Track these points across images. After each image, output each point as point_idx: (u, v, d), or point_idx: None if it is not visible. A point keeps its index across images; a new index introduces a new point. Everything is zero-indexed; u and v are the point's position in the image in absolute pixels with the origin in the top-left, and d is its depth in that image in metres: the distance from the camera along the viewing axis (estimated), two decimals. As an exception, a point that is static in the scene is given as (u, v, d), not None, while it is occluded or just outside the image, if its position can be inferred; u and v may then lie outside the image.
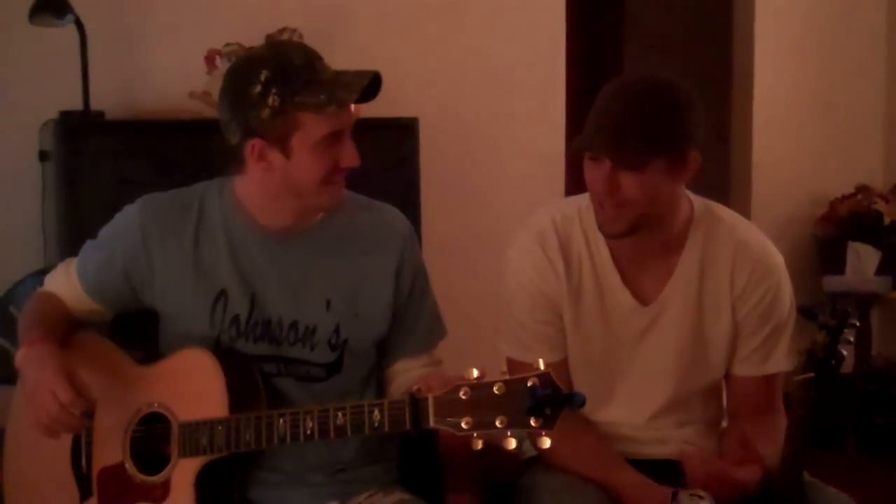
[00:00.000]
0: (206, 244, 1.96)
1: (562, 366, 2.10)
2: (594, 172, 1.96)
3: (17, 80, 3.21)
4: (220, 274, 1.95)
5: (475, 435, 1.58)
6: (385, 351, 2.07)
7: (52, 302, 2.05)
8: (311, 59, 1.85)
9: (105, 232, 2.05)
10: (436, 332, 2.13)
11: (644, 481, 2.00)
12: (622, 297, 2.08)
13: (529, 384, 1.56)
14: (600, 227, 2.02)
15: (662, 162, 1.91)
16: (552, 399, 1.56)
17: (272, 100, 1.81)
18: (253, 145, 1.86)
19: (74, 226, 2.96)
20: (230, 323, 1.94)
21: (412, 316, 2.06)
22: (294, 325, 1.96)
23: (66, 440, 1.96)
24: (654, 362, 2.09)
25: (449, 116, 3.70)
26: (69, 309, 2.04)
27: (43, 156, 3.16)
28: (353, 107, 1.87)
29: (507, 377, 1.58)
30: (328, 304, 1.97)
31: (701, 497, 1.85)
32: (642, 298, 2.09)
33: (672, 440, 2.13)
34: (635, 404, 2.11)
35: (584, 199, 2.07)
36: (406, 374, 2.05)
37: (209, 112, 3.25)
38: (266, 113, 1.82)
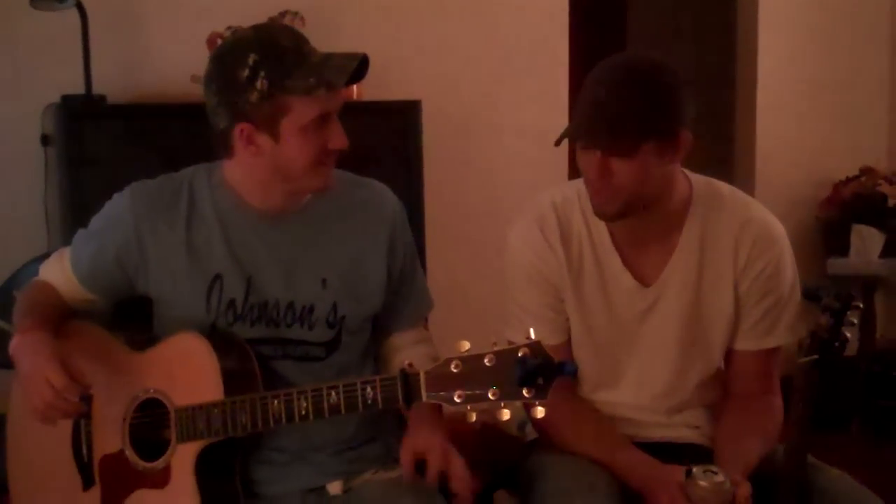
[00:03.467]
0: (199, 229, 1.95)
1: (564, 348, 2.11)
2: (586, 159, 1.96)
3: (19, 65, 3.21)
4: (215, 259, 1.95)
5: (468, 408, 1.59)
6: (380, 325, 2.10)
7: (47, 291, 2.04)
8: (298, 43, 1.85)
9: (96, 221, 2.04)
10: (425, 305, 2.18)
11: (650, 461, 2.00)
12: (623, 278, 2.08)
13: (520, 354, 1.57)
14: (594, 210, 2.02)
15: (653, 145, 1.90)
16: (543, 368, 1.56)
17: (261, 83, 1.80)
18: (241, 129, 1.85)
19: (77, 210, 2.97)
20: (226, 307, 1.94)
21: (406, 289, 2.09)
22: (291, 305, 1.96)
23: (66, 429, 1.97)
24: (656, 343, 2.10)
25: (451, 99, 3.70)
26: (63, 298, 2.04)
27: (45, 140, 3.17)
28: (343, 90, 1.87)
29: (498, 348, 1.59)
30: (324, 282, 1.97)
31: (715, 472, 1.85)
32: (643, 279, 2.08)
33: (675, 422, 2.14)
34: (638, 386, 2.11)
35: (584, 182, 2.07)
36: (405, 350, 2.08)
37: (211, 96, 3.26)
38: (255, 97, 1.81)
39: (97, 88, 3.10)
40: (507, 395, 1.57)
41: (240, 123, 1.85)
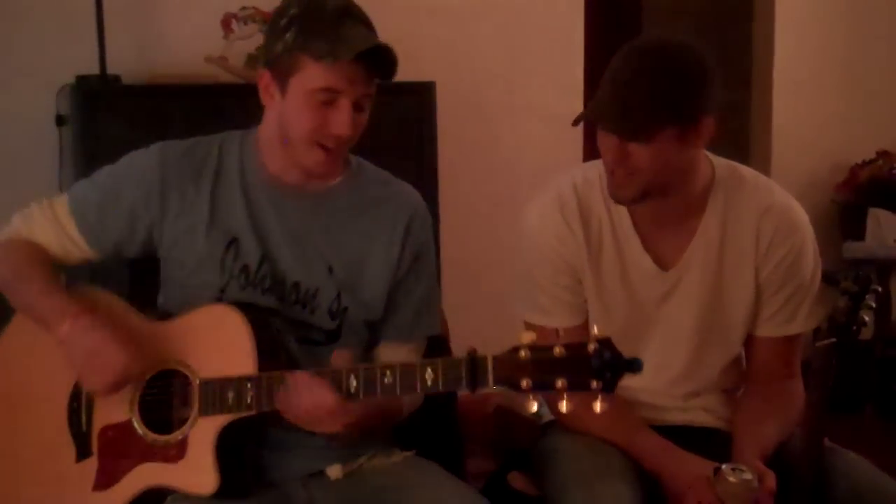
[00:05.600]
0: (223, 191, 1.94)
1: (581, 330, 2.09)
2: (604, 142, 1.95)
3: (33, 45, 3.21)
4: (234, 223, 1.94)
5: (531, 396, 1.62)
6: (374, 333, 2.04)
7: (41, 255, 1.97)
8: (343, 13, 1.83)
9: (110, 173, 2.00)
10: (422, 323, 2.05)
11: (668, 446, 2.00)
12: (643, 261, 2.07)
13: (592, 348, 1.60)
14: (611, 194, 2.01)
15: (673, 130, 1.88)
16: (614, 364, 1.59)
17: (288, 36, 1.83)
18: (262, 75, 1.89)
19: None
20: (239, 271, 1.93)
21: (402, 296, 2.02)
22: (297, 284, 1.95)
23: (61, 397, 1.92)
24: (675, 327, 2.09)
25: (466, 80, 3.69)
26: (54, 259, 1.99)
27: (60, 120, 3.17)
28: (361, 78, 1.83)
29: (567, 341, 1.62)
30: (330, 269, 1.96)
31: (743, 471, 1.85)
32: (663, 263, 2.07)
33: (692, 406, 2.13)
34: (657, 369, 2.09)
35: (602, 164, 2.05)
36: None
37: (225, 76, 3.26)
38: (280, 47, 1.84)
39: (112, 69, 3.10)
40: (576, 386, 1.60)
41: (265, 69, 1.88)
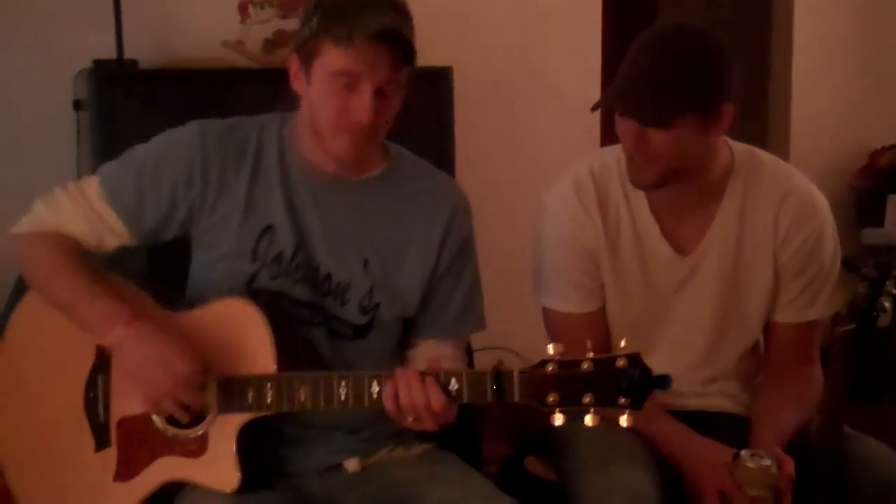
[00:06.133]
0: (262, 179, 1.91)
1: (598, 316, 2.10)
2: (623, 127, 1.94)
3: (51, 30, 3.20)
4: (271, 209, 1.90)
5: (557, 410, 1.61)
6: (412, 330, 2.00)
7: (79, 250, 1.90)
8: (368, 2, 1.79)
9: (146, 153, 1.93)
10: (468, 321, 2.02)
11: (686, 431, 2.00)
12: (660, 247, 2.06)
13: (620, 364, 1.59)
14: (630, 179, 2.00)
15: (693, 117, 1.88)
16: (643, 381, 1.59)
17: (314, 21, 1.80)
18: (292, 60, 1.87)
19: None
20: (273, 259, 1.89)
21: (444, 293, 1.98)
22: (329, 276, 1.92)
23: (77, 385, 1.89)
24: (692, 313, 2.08)
25: (483, 65, 3.67)
26: (88, 250, 1.91)
27: (77, 105, 3.16)
28: (383, 62, 1.79)
29: (595, 356, 1.60)
30: (365, 263, 1.93)
31: (762, 457, 1.84)
32: (681, 249, 2.07)
33: (710, 392, 2.13)
34: (674, 355, 2.08)
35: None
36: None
37: (242, 62, 3.26)
38: (306, 32, 1.82)
39: (129, 53, 3.09)
40: (603, 403, 1.60)
41: (294, 53, 1.87)
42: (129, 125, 2.96)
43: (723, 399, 2.14)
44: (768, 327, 2.14)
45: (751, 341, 2.14)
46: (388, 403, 1.71)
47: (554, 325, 2.14)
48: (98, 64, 3.08)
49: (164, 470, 1.84)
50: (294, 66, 1.86)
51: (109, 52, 3.08)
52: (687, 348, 2.10)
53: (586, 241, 2.07)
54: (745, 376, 2.16)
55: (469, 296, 2.01)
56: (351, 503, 1.93)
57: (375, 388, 1.73)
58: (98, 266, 1.91)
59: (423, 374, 1.69)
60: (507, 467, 2.29)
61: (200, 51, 3.28)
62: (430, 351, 1.96)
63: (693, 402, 2.11)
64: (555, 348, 1.62)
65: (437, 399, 1.67)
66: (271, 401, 1.78)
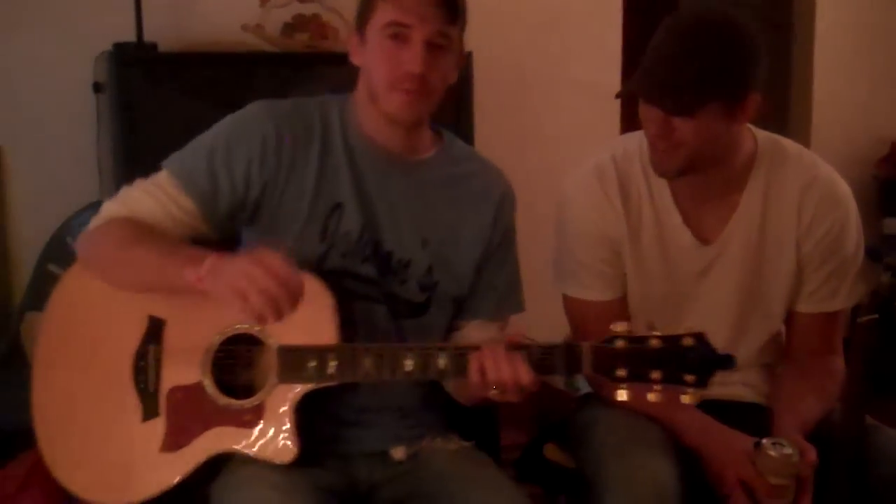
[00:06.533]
0: (330, 158, 1.92)
1: (619, 304, 2.09)
2: (647, 114, 1.92)
3: (71, 12, 3.20)
4: (340, 187, 1.91)
5: (624, 386, 1.66)
6: (457, 310, 2.03)
7: (149, 228, 1.87)
8: None
9: (214, 138, 1.91)
10: (509, 303, 2.07)
11: (708, 420, 1.99)
12: (682, 235, 2.05)
13: (687, 343, 1.64)
14: (654, 167, 1.99)
15: (718, 106, 1.86)
16: (709, 360, 1.64)
17: None
18: (351, 40, 1.94)
19: (129, 157, 2.97)
20: (342, 238, 1.91)
21: (490, 275, 2.03)
22: (389, 254, 1.94)
23: (126, 355, 1.89)
24: (714, 302, 2.07)
25: (503, 51, 3.65)
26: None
27: (97, 87, 3.17)
28: (431, 14, 1.83)
29: (662, 333, 1.65)
30: (424, 241, 1.95)
31: (784, 445, 1.83)
32: (703, 237, 2.05)
33: (731, 381, 2.11)
34: (695, 344, 2.08)
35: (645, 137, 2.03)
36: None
37: (262, 45, 3.25)
38: (362, 3, 1.90)
39: (149, 36, 3.09)
40: (670, 380, 1.64)
41: (355, 30, 1.93)
42: (148, 108, 2.97)
43: (744, 388, 2.13)
44: (790, 317, 2.12)
45: (772, 331, 2.13)
46: (475, 377, 1.73)
47: (574, 313, 2.14)
48: (118, 47, 3.07)
49: (215, 440, 1.84)
50: (353, 41, 1.92)
51: (129, 35, 3.07)
52: (709, 337, 2.08)
53: (607, 229, 2.06)
54: (766, 366, 2.15)
55: (513, 279, 2.07)
56: (390, 493, 1.94)
57: (442, 361, 1.75)
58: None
59: (509, 348, 1.71)
60: (526, 455, 2.29)
61: (220, 34, 3.28)
62: (476, 333, 1.99)
63: (714, 392, 2.06)
64: (620, 326, 1.67)
65: (525, 374, 1.69)
66: (334, 371, 1.78)
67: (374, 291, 1.93)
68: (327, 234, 1.91)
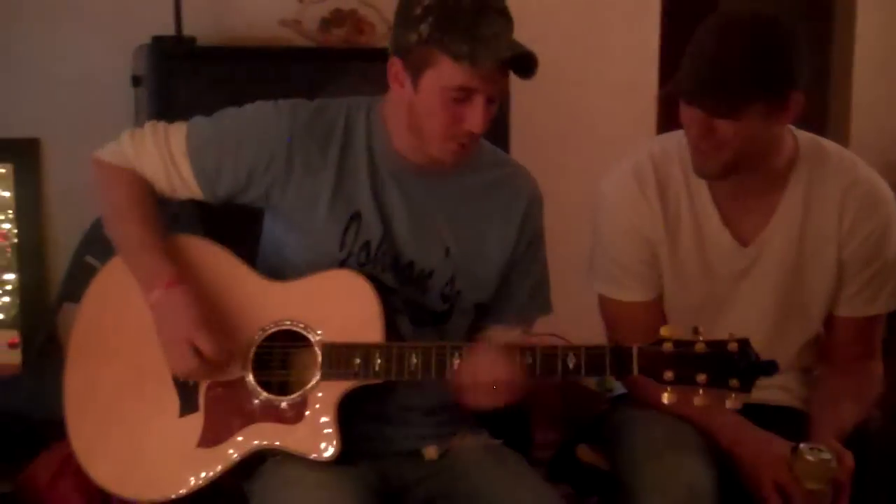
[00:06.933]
0: (350, 165, 1.91)
1: (655, 305, 2.08)
2: (689, 115, 1.91)
3: (110, 5, 3.22)
4: (359, 196, 1.91)
5: (669, 388, 1.69)
6: (481, 313, 2.02)
7: (145, 192, 1.93)
8: (480, 10, 1.75)
9: (235, 120, 1.95)
10: (536, 305, 2.06)
11: (744, 423, 1.97)
12: (721, 237, 2.03)
13: (731, 348, 1.67)
14: (695, 168, 1.98)
15: (761, 106, 1.84)
16: (753, 365, 1.67)
17: (422, 28, 1.76)
18: (393, 63, 1.84)
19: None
20: (361, 247, 1.90)
21: (517, 279, 2.01)
22: (411, 264, 1.93)
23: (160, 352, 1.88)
24: (752, 304, 2.05)
25: (539, 48, 3.63)
26: (161, 193, 1.95)
27: (135, 80, 3.18)
28: (499, 76, 1.79)
29: (708, 338, 1.68)
30: (447, 251, 1.94)
31: (821, 451, 1.82)
32: (742, 238, 2.04)
33: (769, 385, 2.08)
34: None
35: (684, 135, 2.01)
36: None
37: (299, 40, 3.26)
38: (413, 39, 1.78)
39: (187, 30, 3.10)
40: (715, 384, 1.67)
41: (395, 56, 1.84)
42: (186, 101, 2.97)
43: (781, 392, 2.11)
44: (829, 320, 2.11)
45: (811, 334, 2.11)
46: (458, 376, 1.76)
47: (609, 314, 2.13)
48: (157, 40, 3.09)
49: (254, 436, 1.84)
50: (395, 68, 1.83)
51: (168, 29, 3.09)
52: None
53: (645, 229, 2.04)
54: (804, 370, 2.14)
55: (539, 283, 2.05)
56: (422, 493, 1.94)
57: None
58: (163, 218, 1.94)
59: (522, 348, 1.74)
60: (559, 455, 2.28)
61: (258, 29, 3.28)
62: (501, 336, 1.97)
63: (751, 395, 2.08)
64: (666, 329, 1.70)
65: (511, 372, 1.72)
66: (380, 368, 1.79)
67: (394, 300, 1.92)
68: (345, 244, 1.90)
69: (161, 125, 1.97)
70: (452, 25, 1.74)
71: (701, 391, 1.67)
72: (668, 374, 1.68)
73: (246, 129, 1.92)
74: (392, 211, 1.92)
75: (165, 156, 1.93)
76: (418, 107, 1.82)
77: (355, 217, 1.90)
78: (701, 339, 1.68)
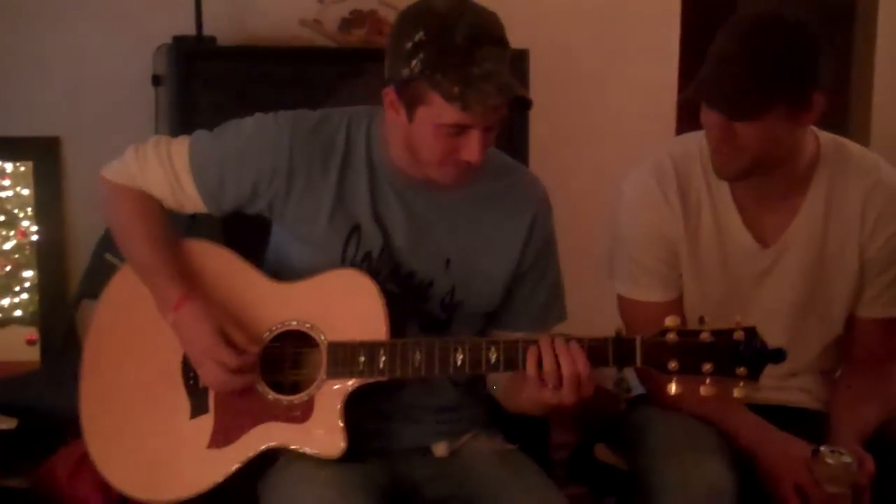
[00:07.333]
0: (350, 179, 1.91)
1: (675, 305, 2.07)
2: (709, 118, 1.90)
3: (131, 5, 3.23)
4: (358, 209, 1.90)
5: (675, 379, 1.67)
6: (495, 322, 2.00)
7: (156, 212, 1.95)
8: (473, 45, 1.70)
9: (236, 135, 1.94)
10: (552, 312, 2.02)
11: (765, 425, 1.97)
12: (742, 238, 2.02)
13: (738, 336, 1.64)
14: (715, 170, 1.97)
15: (782, 108, 1.83)
16: (760, 353, 1.65)
17: (414, 64, 1.72)
18: (387, 92, 1.81)
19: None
20: (362, 258, 1.90)
21: (529, 288, 1.99)
22: (411, 274, 1.93)
23: (175, 352, 1.91)
24: (773, 305, 2.04)
25: (560, 49, 3.63)
26: (169, 209, 1.97)
27: (156, 80, 3.19)
28: (495, 113, 1.75)
29: (713, 327, 1.66)
30: (447, 262, 1.93)
31: (842, 454, 1.81)
32: (763, 240, 2.03)
33: (788, 386, 2.09)
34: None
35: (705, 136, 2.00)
36: None
37: (319, 40, 3.26)
38: (405, 73, 1.73)
39: (208, 30, 3.11)
40: (721, 372, 1.65)
41: (389, 86, 1.80)
42: (206, 101, 2.99)
43: (801, 394, 2.11)
44: (850, 322, 2.09)
45: (832, 336, 2.10)
46: (532, 369, 1.71)
47: (628, 314, 2.12)
48: (177, 40, 3.10)
49: (264, 436, 1.85)
50: (390, 97, 1.80)
51: (189, 29, 3.10)
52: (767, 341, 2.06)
53: (665, 229, 2.04)
54: (825, 372, 2.13)
55: (552, 290, 2.02)
56: (432, 493, 1.93)
57: (493, 355, 1.75)
58: (173, 230, 1.97)
59: (568, 339, 1.71)
60: (576, 455, 2.28)
61: (278, 29, 3.29)
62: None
63: (771, 396, 2.07)
64: (671, 319, 1.68)
65: (584, 364, 1.69)
66: (384, 366, 1.79)
67: (403, 305, 1.90)
68: (347, 254, 1.90)
69: (164, 140, 1.97)
70: (444, 64, 1.70)
71: (707, 380, 1.65)
72: (673, 364, 1.66)
73: (247, 143, 1.92)
74: (392, 223, 1.92)
75: (169, 173, 1.93)
76: (414, 136, 1.80)
77: (355, 229, 1.90)
78: (707, 328, 1.67)
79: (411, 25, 1.74)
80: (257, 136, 1.92)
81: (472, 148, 1.77)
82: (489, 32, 1.74)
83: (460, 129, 1.75)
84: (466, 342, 1.77)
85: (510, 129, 3.23)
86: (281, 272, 1.94)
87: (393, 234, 1.92)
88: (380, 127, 1.92)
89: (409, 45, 1.73)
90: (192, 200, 1.95)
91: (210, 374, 1.83)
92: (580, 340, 1.70)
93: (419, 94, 1.74)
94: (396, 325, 1.83)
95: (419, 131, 1.79)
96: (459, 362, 1.76)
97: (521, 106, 1.78)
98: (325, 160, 1.90)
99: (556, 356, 1.69)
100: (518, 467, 1.95)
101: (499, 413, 2.04)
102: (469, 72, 1.69)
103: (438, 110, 1.73)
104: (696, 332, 1.66)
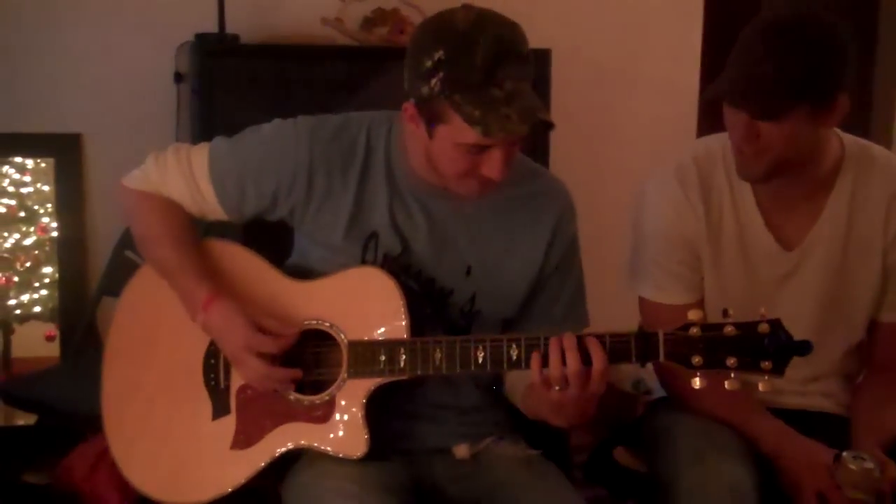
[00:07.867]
0: (370, 188, 1.89)
1: (696, 307, 2.03)
2: (733, 118, 1.88)
3: (154, 3, 3.25)
4: (377, 216, 1.89)
5: (698, 373, 1.64)
6: (516, 328, 1.97)
7: (181, 217, 1.94)
8: (494, 64, 1.65)
9: (256, 143, 1.92)
10: (572, 320, 1.98)
11: (787, 429, 1.95)
12: (764, 240, 2.01)
13: (762, 329, 1.62)
14: (738, 171, 1.96)
15: (806, 109, 1.81)
16: (785, 346, 1.62)
17: (434, 83, 1.67)
18: (407, 107, 1.78)
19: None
20: (382, 261, 1.88)
21: (550, 295, 1.97)
22: (431, 281, 1.91)
23: (196, 353, 1.91)
24: (795, 309, 2.02)
25: (582, 48, 3.62)
26: (191, 216, 1.96)
27: (178, 77, 3.20)
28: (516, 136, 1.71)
29: (737, 320, 1.64)
30: (468, 270, 1.91)
31: (865, 459, 1.79)
32: (786, 242, 2.01)
33: (810, 391, 2.07)
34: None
35: (728, 137, 1.99)
36: None
37: (341, 39, 3.27)
38: (425, 90, 1.69)
39: (230, 28, 3.12)
40: (746, 366, 1.63)
41: (409, 100, 1.77)
42: (228, 98, 2.99)
43: (823, 399, 2.09)
44: (873, 327, 2.08)
45: (854, 340, 2.08)
46: (534, 367, 1.69)
47: (650, 316, 2.11)
48: (200, 38, 3.11)
49: (286, 437, 1.85)
50: (410, 111, 1.77)
51: (211, 27, 3.11)
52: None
53: (687, 231, 2.02)
54: (847, 376, 2.11)
55: (574, 296, 2.00)
56: (453, 495, 1.93)
57: (514, 352, 1.73)
58: (194, 232, 1.96)
59: (580, 336, 1.68)
60: (595, 457, 2.27)
61: (300, 27, 3.30)
62: None
63: (792, 401, 2.06)
64: (694, 313, 1.65)
65: (601, 359, 1.65)
66: (405, 364, 1.78)
67: (418, 306, 1.88)
68: (366, 259, 1.89)
69: (184, 148, 1.97)
70: (464, 86, 1.66)
71: (732, 374, 1.62)
72: (697, 359, 1.63)
73: (267, 151, 1.90)
74: (412, 231, 1.90)
75: (190, 181, 1.93)
76: (434, 151, 1.78)
77: (372, 237, 1.89)
78: (731, 321, 1.63)
79: (431, 42, 1.69)
80: (277, 143, 1.90)
81: (493, 165, 1.74)
82: (511, 48, 1.69)
83: (481, 148, 1.72)
84: (487, 339, 1.75)
85: (532, 132, 3.23)
86: (301, 274, 1.93)
87: (413, 241, 1.90)
88: (400, 134, 1.90)
89: (428, 63, 1.68)
90: (212, 208, 1.94)
91: (252, 369, 1.81)
92: (601, 336, 1.68)
93: (439, 112, 1.71)
94: (417, 325, 1.82)
95: (439, 147, 1.76)
96: (481, 360, 1.75)
97: (544, 127, 1.74)
98: (345, 168, 1.88)
99: (562, 352, 1.67)
100: (540, 473, 1.94)
101: (521, 419, 2.02)
102: (490, 94, 1.66)
103: (459, 131, 1.70)
104: (721, 326, 1.63)
